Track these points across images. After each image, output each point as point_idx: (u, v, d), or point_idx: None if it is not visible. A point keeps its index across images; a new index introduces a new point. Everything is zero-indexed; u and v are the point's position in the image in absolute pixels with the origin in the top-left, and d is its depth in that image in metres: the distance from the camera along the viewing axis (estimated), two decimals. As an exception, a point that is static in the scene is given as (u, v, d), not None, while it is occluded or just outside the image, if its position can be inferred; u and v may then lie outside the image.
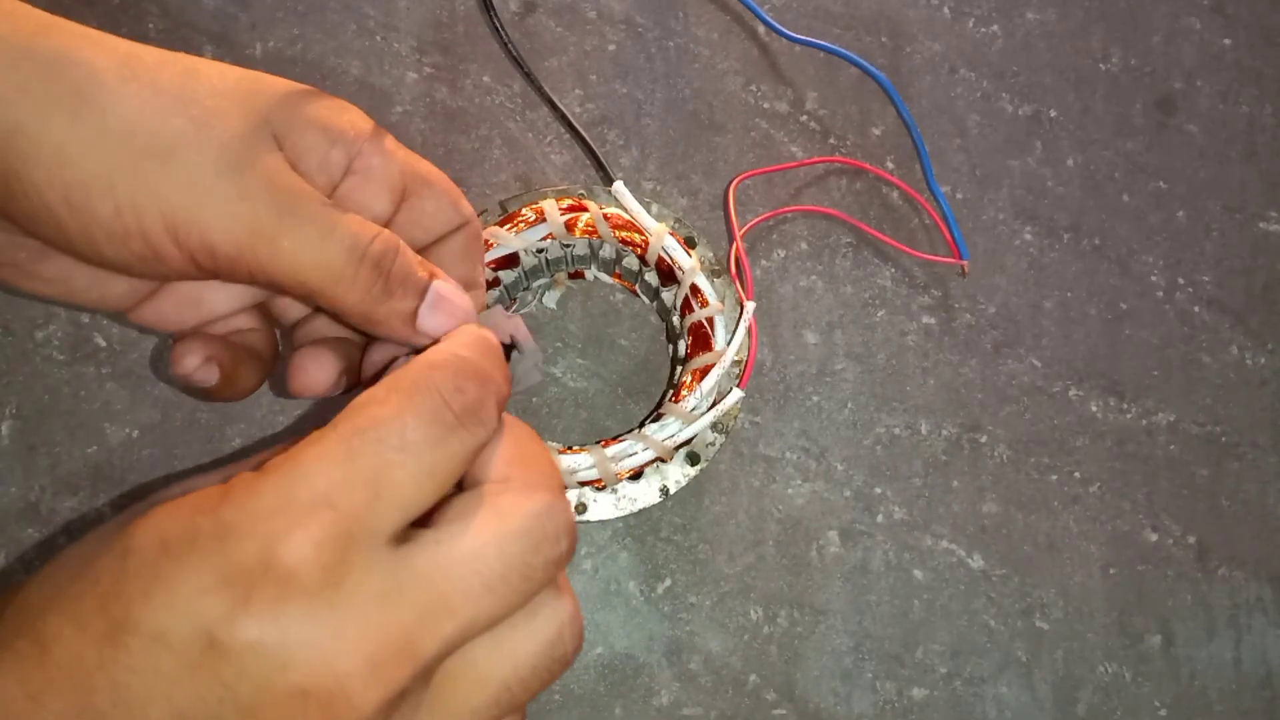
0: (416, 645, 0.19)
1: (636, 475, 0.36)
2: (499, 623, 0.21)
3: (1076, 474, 0.41)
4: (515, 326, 0.28)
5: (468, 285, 0.28)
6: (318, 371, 0.28)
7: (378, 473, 0.20)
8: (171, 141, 0.23)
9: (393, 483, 0.20)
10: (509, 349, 0.28)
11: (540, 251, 0.38)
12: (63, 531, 0.38)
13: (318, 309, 0.29)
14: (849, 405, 0.41)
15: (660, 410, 0.37)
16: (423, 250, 0.28)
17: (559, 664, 0.22)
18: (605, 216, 0.37)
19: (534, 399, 0.40)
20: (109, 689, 0.19)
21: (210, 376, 0.26)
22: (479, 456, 0.22)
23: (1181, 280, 0.43)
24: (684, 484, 0.36)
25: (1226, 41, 0.46)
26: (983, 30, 0.45)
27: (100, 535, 0.20)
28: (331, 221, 0.24)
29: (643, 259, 0.38)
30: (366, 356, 0.28)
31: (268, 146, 0.24)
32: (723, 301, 0.37)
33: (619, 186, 0.38)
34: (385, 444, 0.20)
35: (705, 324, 0.37)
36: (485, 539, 0.21)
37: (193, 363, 0.26)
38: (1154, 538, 0.40)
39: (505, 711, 0.22)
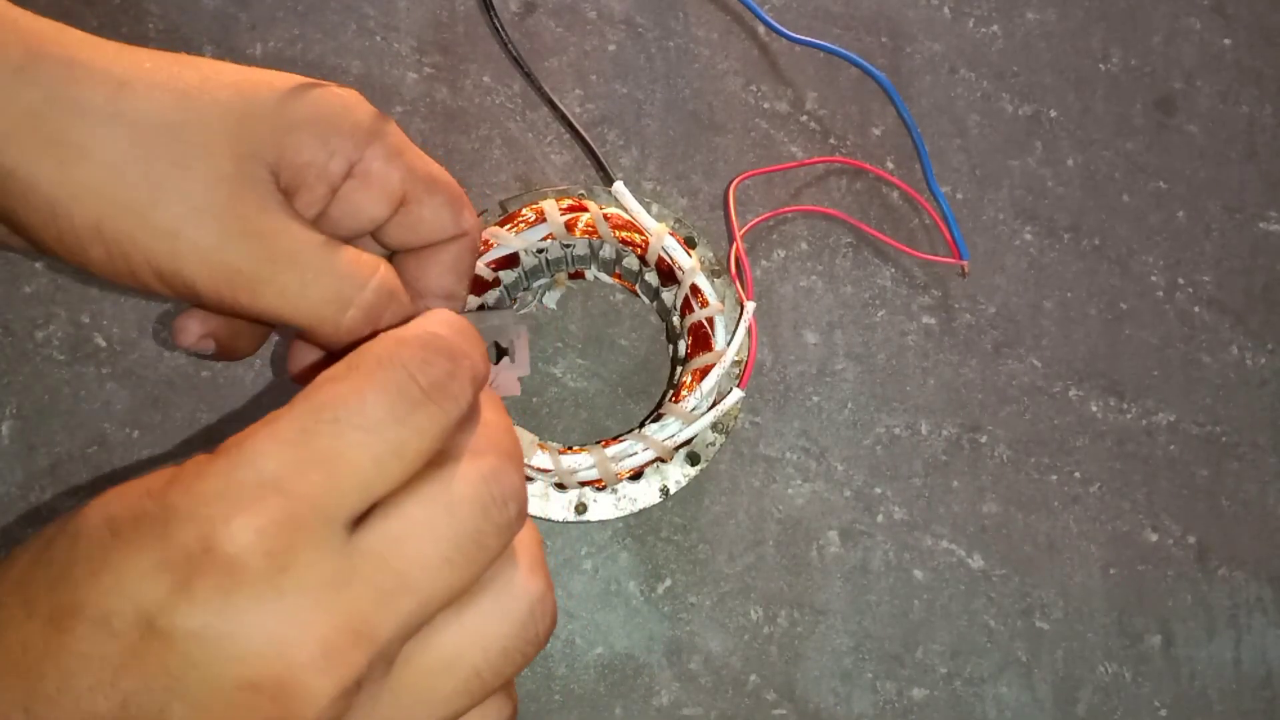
0: (373, 628, 0.19)
1: (637, 475, 0.36)
2: (459, 599, 0.20)
3: (1076, 474, 0.41)
4: (520, 335, 0.28)
5: (449, 297, 0.28)
6: (314, 355, 0.29)
7: (334, 453, 0.19)
8: (153, 189, 0.23)
9: (351, 464, 0.19)
10: (502, 352, 0.28)
11: (540, 251, 0.38)
12: (63, 531, 0.38)
13: None
14: (849, 405, 0.41)
15: (660, 410, 0.37)
16: (413, 251, 0.28)
17: (531, 645, 0.21)
18: (605, 216, 0.37)
19: (534, 399, 0.40)
20: (55, 675, 0.18)
21: (207, 347, 0.28)
22: (455, 436, 0.21)
23: (1181, 280, 0.43)
24: (684, 484, 0.36)
25: (1226, 41, 0.46)
26: (983, 30, 0.45)
27: (62, 519, 0.19)
28: (316, 267, 0.24)
29: (643, 259, 0.38)
30: None
31: (254, 182, 0.24)
32: (723, 301, 0.37)
33: (619, 186, 0.38)
34: (344, 423, 0.19)
35: (705, 324, 0.37)
36: (434, 509, 0.20)
37: (190, 338, 0.27)
38: (1154, 538, 0.40)
39: (476, 697, 0.21)
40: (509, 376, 0.28)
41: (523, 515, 0.21)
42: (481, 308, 0.38)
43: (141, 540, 0.18)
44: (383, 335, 0.21)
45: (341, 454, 0.19)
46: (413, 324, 0.21)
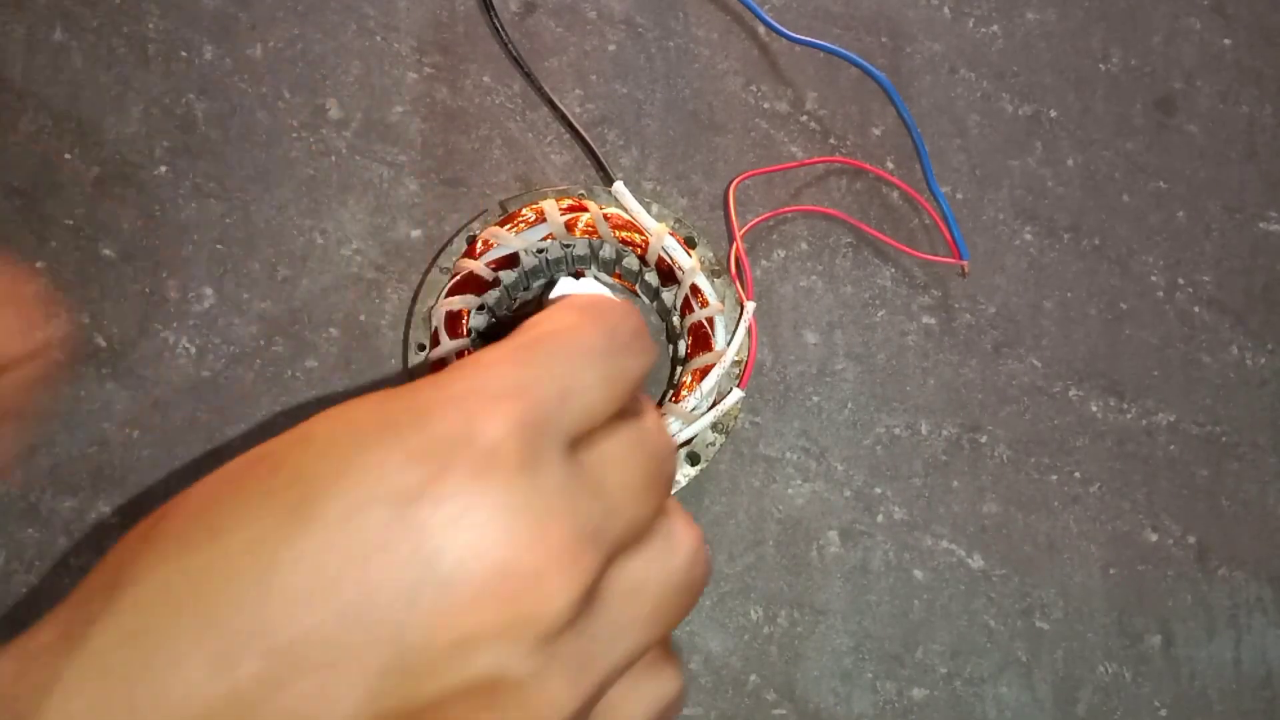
0: (598, 541, 0.19)
1: (636, 475, 0.36)
2: (643, 533, 0.21)
3: (1076, 474, 0.41)
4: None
5: None
6: None
7: (563, 374, 0.20)
8: None
9: (577, 386, 0.20)
10: None
11: (540, 251, 0.38)
12: (63, 531, 0.38)
13: None
14: (849, 405, 0.41)
15: (660, 410, 0.37)
16: None
17: (695, 587, 0.22)
18: (605, 216, 0.37)
19: (534, 399, 0.40)
20: (294, 569, 0.18)
21: None
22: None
23: (1181, 280, 0.43)
24: (684, 484, 0.36)
25: (1226, 41, 0.46)
26: (983, 30, 0.45)
27: (259, 447, 0.20)
28: None
29: (643, 259, 0.38)
30: None
31: None
32: (723, 301, 0.37)
33: (619, 186, 0.38)
34: (569, 349, 0.21)
35: (705, 324, 0.37)
36: (635, 446, 0.21)
37: None
38: (1154, 538, 0.40)
39: (661, 626, 0.21)
40: None
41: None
42: (481, 308, 0.38)
43: (390, 435, 0.19)
44: (572, 297, 0.23)
45: (568, 375, 0.20)
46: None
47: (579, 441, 0.20)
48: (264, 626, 0.18)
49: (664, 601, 0.21)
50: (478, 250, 0.38)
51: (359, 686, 0.18)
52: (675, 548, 0.22)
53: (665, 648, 0.23)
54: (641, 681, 0.22)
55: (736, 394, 0.36)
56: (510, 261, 0.38)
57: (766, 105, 0.43)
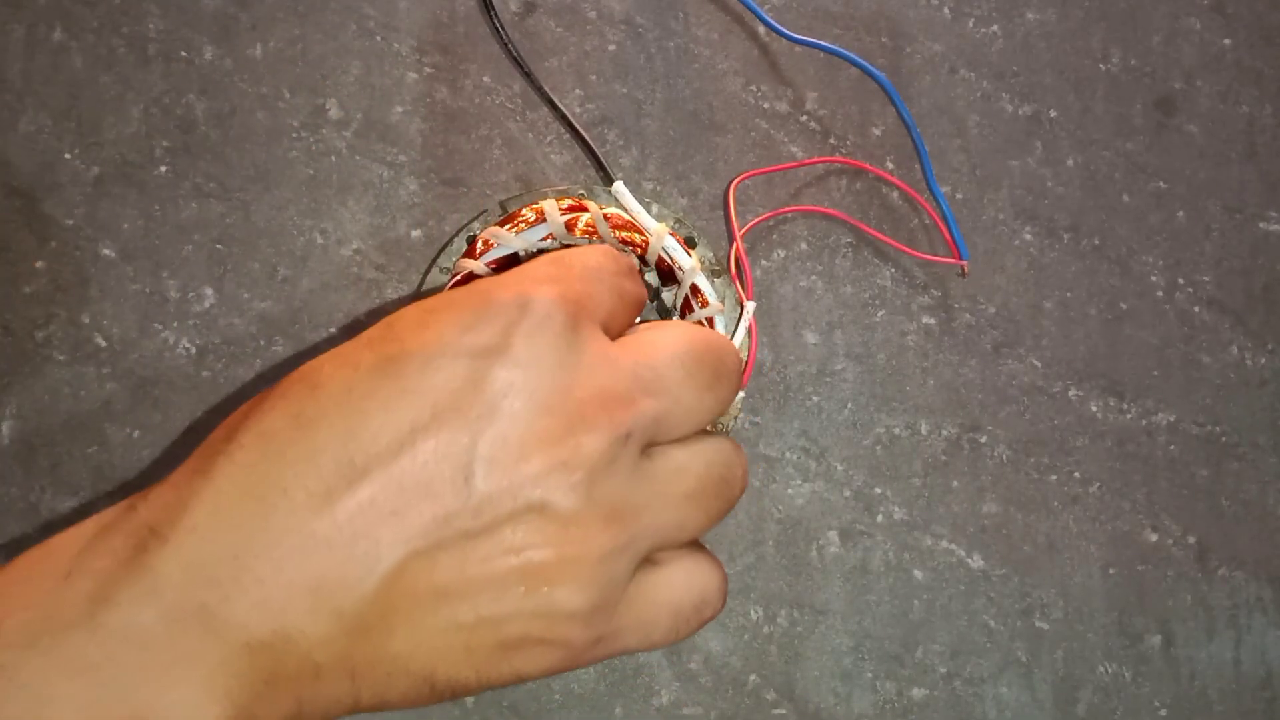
0: (636, 400, 0.23)
1: (636, 475, 0.36)
2: (691, 422, 0.25)
3: (1076, 474, 0.41)
4: None
5: None
6: None
7: (586, 276, 0.24)
8: None
9: (596, 288, 0.25)
10: None
11: (541, 252, 0.38)
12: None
13: None
14: (849, 405, 0.41)
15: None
16: None
17: (735, 485, 0.26)
18: (605, 216, 0.37)
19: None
20: (378, 415, 0.21)
21: None
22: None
23: (1181, 280, 0.43)
24: (684, 484, 0.36)
25: (1226, 41, 0.46)
26: (983, 30, 0.45)
27: (347, 344, 0.23)
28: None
29: (643, 259, 0.38)
30: None
31: None
32: (723, 301, 0.37)
33: (619, 186, 0.38)
34: (589, 263, 0.25)
35: (705, 324, 0.37)
36: (678, 338, 0.25)
37: None
38: (1154, 538, 0.40)
39: (701, 509, 0.25)
40: None
41: (736, 380, 0.27)
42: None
43: (460, 308, 0.23)
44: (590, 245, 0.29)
45: (590, 280, 0.25)
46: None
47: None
48: (355, 463, 0.21)
49: (705, 486, 0.25)
50: (478, 250, 0.38)
51: (428, 514, 0.21)
52: (716, 447, 0.25)
53: (705, 549, 0.26)
54: (685, 560, 0.25)
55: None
56: (510, 261, 0.38)
57: (766, 105, 0.43)
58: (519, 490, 0.21)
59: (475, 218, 0.39)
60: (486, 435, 0.21)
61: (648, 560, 0.24)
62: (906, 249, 0.41)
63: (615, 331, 0.25)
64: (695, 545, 0.26)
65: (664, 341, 0.24)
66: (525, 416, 0.21)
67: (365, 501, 0.21)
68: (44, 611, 0.20)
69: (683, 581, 0.25)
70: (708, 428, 0.26)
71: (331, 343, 0.40)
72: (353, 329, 0.40)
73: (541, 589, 0.21)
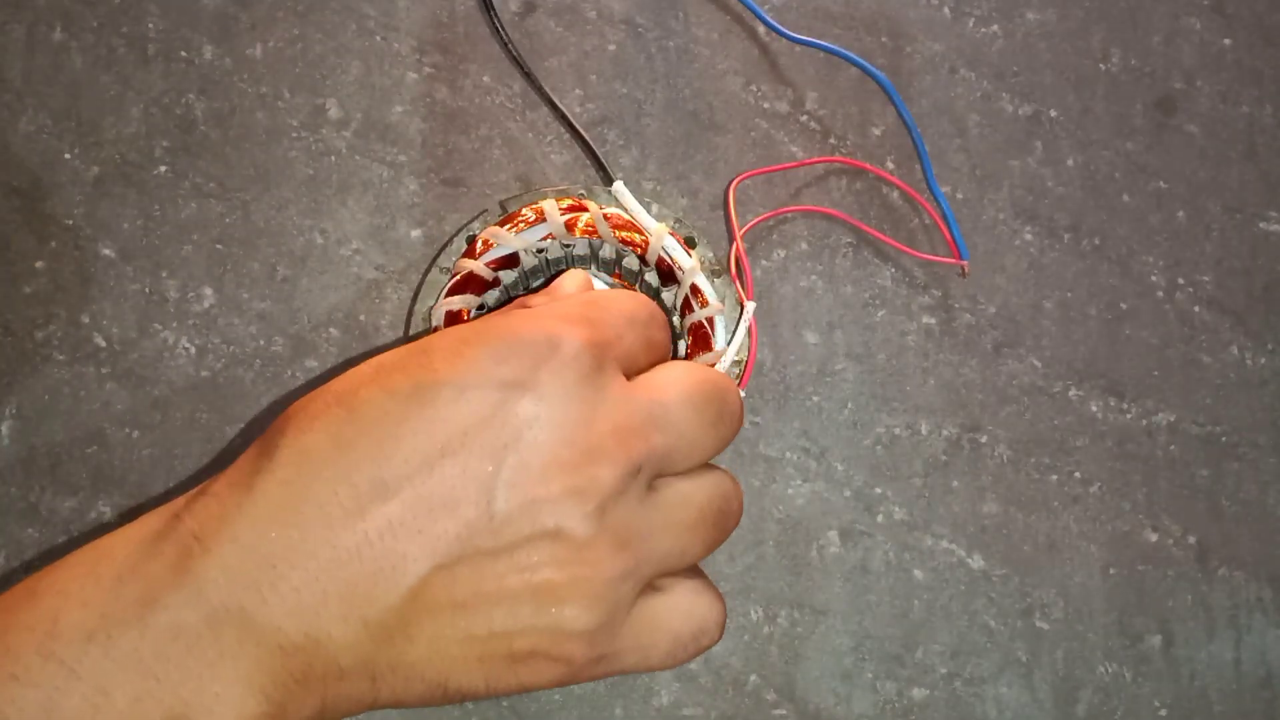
0: (648, 435, 0.24)
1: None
2: (695, 457, 0.26)
3: (1076, 474, 0.41)
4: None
5: None
6: None
7: (617, 323, 0.26)
8: None
9: (627, 335, 0.26)
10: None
11: (540, 251, 0.38)
12: (63, 532, 0.38)
13: None
14: (849, 405, 0.41)
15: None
16: None
17: (732, 517, 0.27)
18: (605, 216, 0.37)
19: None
20: (410, 438, 0.23)
21: None
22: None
23: (1181, 280, 0.43)
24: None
25: (1226, 41, 0.46)
26: (983, 30, 0.45)
27: (383, 355, 0.25)
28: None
29: (643, 259, 0.38)
30: None
31: None
32: (723, 301, 0.37)
33: (619, 186, 0.38)
34: (622, 310, 0.27)
35: (705, 324, 0.37)
36: (687, 378, 0.26)
37: None
38: (1154, 538, 0.40)
39: (701, 536, 0.26)
40: None
41: (740, 420, 0.28)
42: (481, 308, 0.38)
43: (492, 342, 0.24)
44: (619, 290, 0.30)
45: (621, 327, 0.26)
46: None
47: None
48: (386, 483, 0.22)
49: (705, 517, 0.26)
50: (478, 250, 0.38)
51: (452, 532, 0.22)
52: (716, 481, 0.27)
53: (707, 580, 0.27)
54: (687, 590, 0.26)
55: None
56: (510, 261, 0.38)
57: (766, 105, 0.43)
58: (537, 514, 0.23)
59: (475, 218, 0.39)
60: (509, 462, 0.23)
61: (651, 586, 0.25)
62: (906, 249, 0.41)
63: (635, 373, 0.26)
64: (697, 573, 0.27)
65: (675, 381, 0.26)
66: (547, 446, 0.23)
67: (394, 518, 0.22)
68: (99, 610, 0.21)
69: (684, 610, 0.26)
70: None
71: (331, 342, 0.40)
72: (352, 329, 0.40)
73: (551, 608, 0.23)
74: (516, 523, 0.23)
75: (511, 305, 0.28)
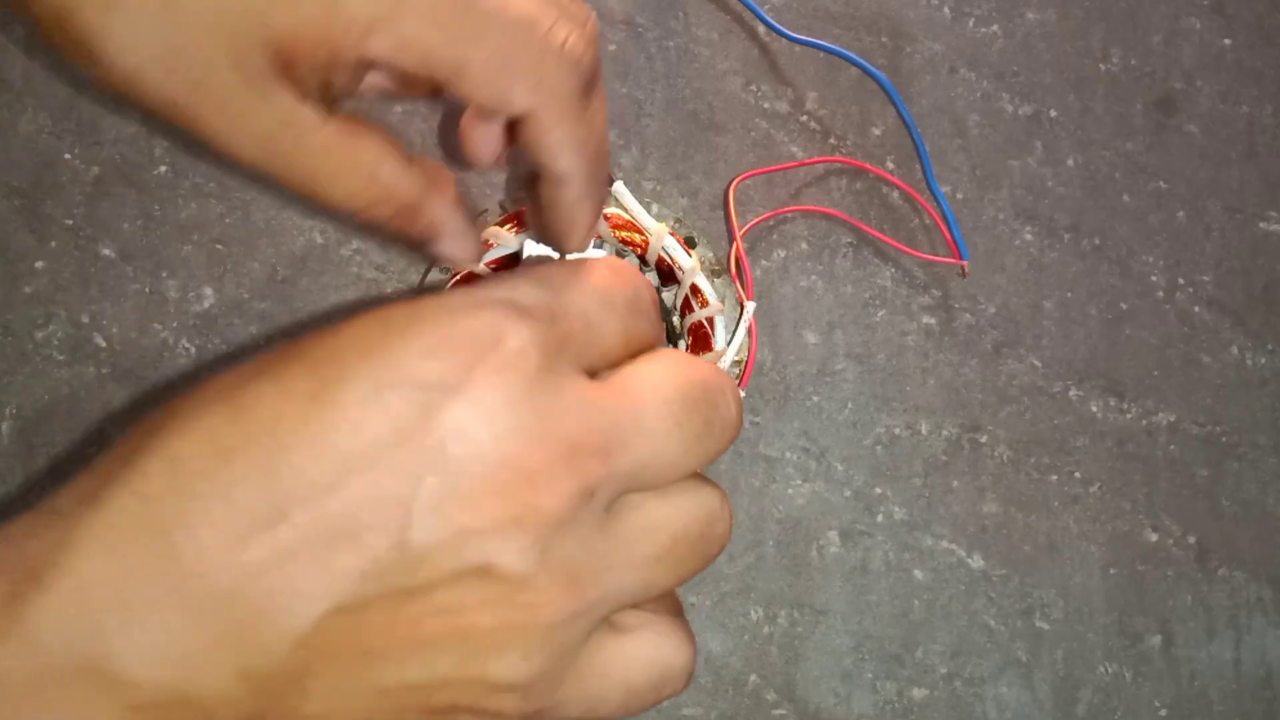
0: (610, 452, 0.20)
1: (636, 475, 0.36)
2: (673, 475, 0.22)
3: (1076, 474, 0.41)
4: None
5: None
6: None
7: (588, 310, 0.21)
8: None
9: (599, 324, 0.21)
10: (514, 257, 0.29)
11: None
12: (63, 531, 0.38)
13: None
14: (849, 405, 0.41)
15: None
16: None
17: (715, 543, 0.23)
18: (605, 216, 0.37)
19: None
20: (309, 447, 0.18)
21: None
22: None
23: (1181, 280, 0.43)
24: (684, 484, 0.36)
25: (1226, 41, 0.46)
26: (983, 30, 0.45)
27: (292, 344, 0.20)
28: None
29: (643, 259, 0.38)
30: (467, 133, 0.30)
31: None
32: (723, 301, 0.37)
33: (619, 186, 0.38)
34: (598, 291, 0.22)
35: (705, 324, 0.37)
36: (672, 378, 0.22)
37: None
38: (1154, 538, 0.40)
39: (672, 572, 0.22)
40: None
41: (738, 422, 0.24)
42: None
43: (421, 328, 0.19)
44: (606, 258, 0.24)
45: (594, 314, 0.21)
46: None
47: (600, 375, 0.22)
48: (275, 504, 0.18)
49: (678, 546, 0.22)
50: (478, 250, 0.38)
51: (356, 566, 0.18)
52: (699, 501, 0.22)
53: (679, 613, 0.23)
54: (649, 630, 0.22)
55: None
56: (510, 261, 0.38)
57: (766, 105, 0.43)
58: (462, 547, 0.19)
59: (475, 218, 0.39)
60: (430, 482, 0.18)
61: (608, 622, 0.21)
62: (906, 249, 0.41)
63: (608, 367, 0.22)
64: (668, 605, 0.23)
65: (654, 383, 0.21)
66: (477, 464, 0.19)
67: (285, 548, 0.18)
68: None
69: (644, 657, 0.22)
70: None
71: (331, 343, 0.40)
72: (353, 329, 0.40)
73: (477, 657, 0.19)
74: (437, 557, 0.19)
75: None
